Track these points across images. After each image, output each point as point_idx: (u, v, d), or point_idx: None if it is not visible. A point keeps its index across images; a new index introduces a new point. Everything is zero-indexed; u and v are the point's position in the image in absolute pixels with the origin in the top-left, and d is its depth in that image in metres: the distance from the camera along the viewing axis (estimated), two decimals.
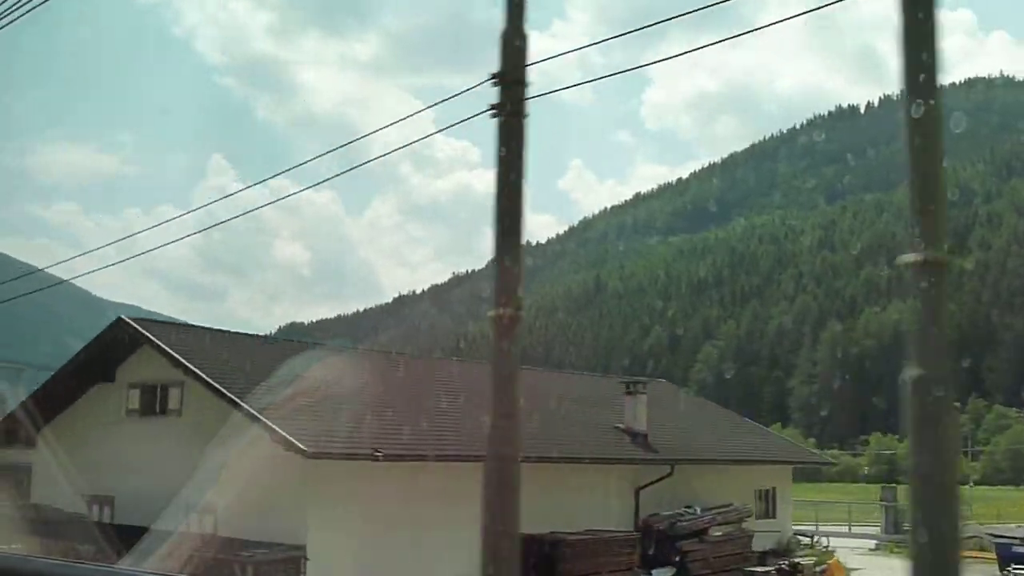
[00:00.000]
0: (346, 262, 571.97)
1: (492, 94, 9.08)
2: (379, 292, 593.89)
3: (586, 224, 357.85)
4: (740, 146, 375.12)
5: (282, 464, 24.77)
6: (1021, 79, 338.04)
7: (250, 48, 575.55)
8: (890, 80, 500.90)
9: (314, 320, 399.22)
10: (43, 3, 15.02)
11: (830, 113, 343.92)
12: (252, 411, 25.57)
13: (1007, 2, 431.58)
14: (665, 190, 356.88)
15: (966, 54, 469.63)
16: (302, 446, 24.18)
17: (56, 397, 33.99)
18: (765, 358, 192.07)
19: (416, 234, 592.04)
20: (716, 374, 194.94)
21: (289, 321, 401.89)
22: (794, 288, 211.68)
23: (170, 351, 29.29)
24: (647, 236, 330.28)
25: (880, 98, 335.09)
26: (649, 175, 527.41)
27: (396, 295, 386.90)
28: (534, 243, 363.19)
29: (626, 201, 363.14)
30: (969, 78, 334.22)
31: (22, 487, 35.22)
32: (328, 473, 25.72)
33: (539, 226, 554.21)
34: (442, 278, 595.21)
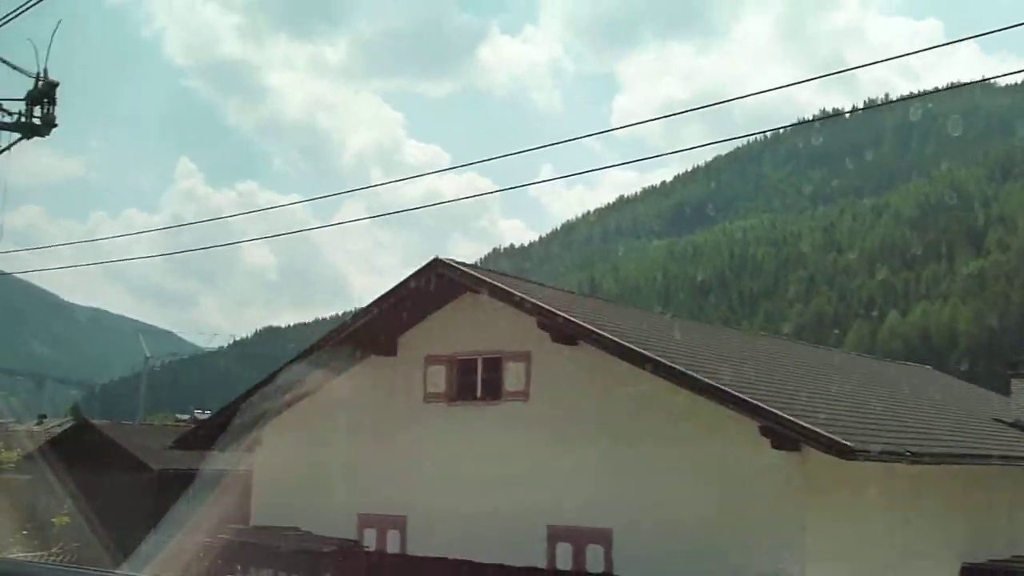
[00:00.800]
0: (314, 267, 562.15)
1: None
2: (348, 298, 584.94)
3: (569, 227, 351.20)
4: (709, 153, 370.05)
5: (750, 470, 17.26)
6: (1003, 85, 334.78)
7: (218, 51, 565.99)
8: (859, 87, 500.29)
9: (291, 324, 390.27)
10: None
11: (814, 116, 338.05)
12: (738, 395, 17.90)
13: (973, 11, 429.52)
14: (649, 193, 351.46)
15: (935, 62, 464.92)
16: (846, 442, 16.27)
17: (293, 382, 25.24)
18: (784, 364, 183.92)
19: (384, 239, 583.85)
20: (734, 380, 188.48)
21: (265, 325, 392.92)
22: (805, 290, 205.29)
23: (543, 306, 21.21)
24: (632, 239, 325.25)
25: (865, 101, 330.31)
26: (618, 181, 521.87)
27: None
28: (516, 246, 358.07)
29: (609, 204, 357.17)
30: (952, 83, 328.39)
31: (228, 502, 26.81)
32: (824, 481, 17.95)
33: (510, 230, 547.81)
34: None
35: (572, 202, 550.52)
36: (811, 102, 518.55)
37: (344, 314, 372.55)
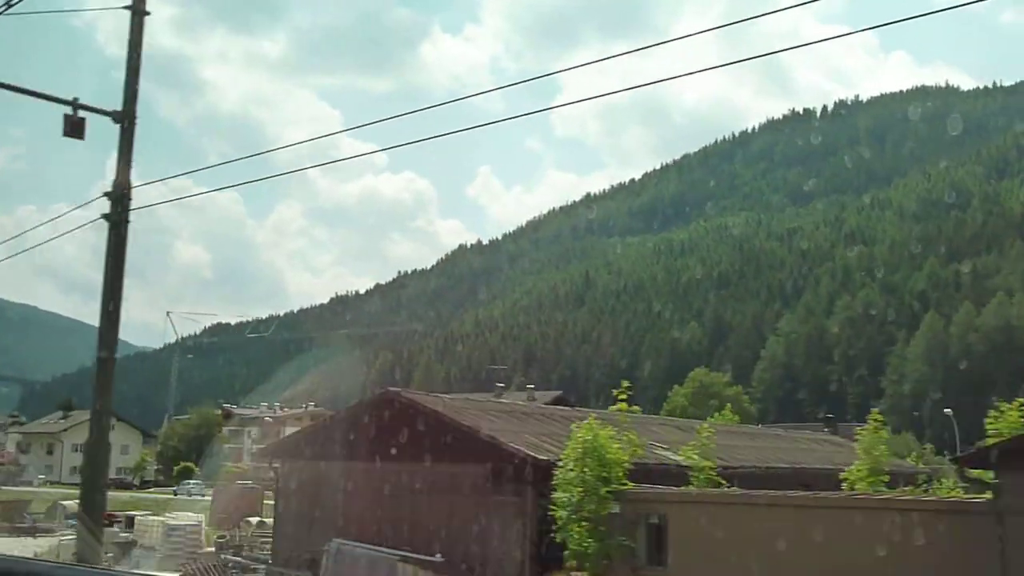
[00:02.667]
0: (249, 265, 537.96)
1: None
2: (284, 296, 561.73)
3: (536, 224, 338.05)
4: (647, 155, 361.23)
5: None
6: (967, 89, 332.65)
7: (153, 42, 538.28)
8: (796, 93, 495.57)
9: (246, 320, 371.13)
10: None
11: (784, 116, 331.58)
12: None
13: (907, 23, 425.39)
14: (619, 191, 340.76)
15: (869, 70, 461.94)
16: None
17: None
18: (844, 355, 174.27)
19: (321, 237, 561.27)
20: (786, 371, 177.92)
21: (216, 322, 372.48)
22: (841, 283, 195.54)
23: None
24: (603, 236, 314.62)
25: (835, 102, 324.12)
26: (557, 183, 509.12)
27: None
28: (486, 241, 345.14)
29: (575, 202, 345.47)
30: (918, 86, 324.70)
31: None
32: None
33: (446, 231, 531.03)
34: (347, 284, 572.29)
35: (510, 204, 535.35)
36: (748, 107, 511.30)
37: (286, 314, 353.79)
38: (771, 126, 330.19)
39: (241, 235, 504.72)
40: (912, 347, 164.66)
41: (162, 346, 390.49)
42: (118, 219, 16.85)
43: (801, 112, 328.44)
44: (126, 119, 17.13)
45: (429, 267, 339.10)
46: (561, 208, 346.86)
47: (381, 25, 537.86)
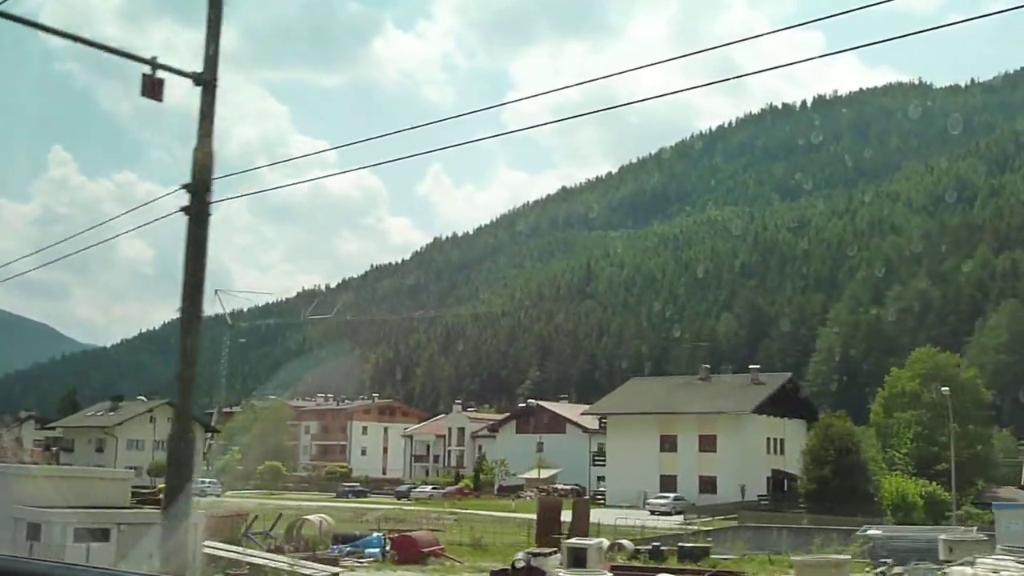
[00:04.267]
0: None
1: None
2: (231, 296, 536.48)
3: (512, 217, 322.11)
4: (602, 155, 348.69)
5: None
6: (940, 86, 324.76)
7: (97, 33, 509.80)
8: (749, 93, 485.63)
9: (206, 315, 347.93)
10: None
11: (762, 111, 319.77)
12: None
13: (853, 24, 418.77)
14: (596, 185, 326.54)
15: (818, 71, 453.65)
16: None
17: None
18: (909, 346, 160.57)
19: (268, 234, 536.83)
20: (843, 363, 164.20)
21: (175, 317, 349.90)
22: (885, 273, 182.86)
23: None
24: (583, 230, 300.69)
25: (814, 97, 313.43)
26: (510, 181, 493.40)
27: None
28: (460, 234, 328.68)
29: (550, 195, 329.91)
30: (893, 83, 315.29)
31: None
32: None
33: (397, 229, 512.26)
34: (292, 281, 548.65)
35: (461, 201, 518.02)
36: (701, 107, 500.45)
37: (236, 312, 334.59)
38: (750, 120, 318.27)
39: (184, 231, 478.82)
40: (986, 335, 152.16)
41: (110, 344, 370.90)
42: (200, 209, 14.29)
43: (780, 107, 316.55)
44: (209, 82, 14.85)
45: (403, 261, 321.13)
46: (535, 202, 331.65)
47: (331, 19, 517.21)
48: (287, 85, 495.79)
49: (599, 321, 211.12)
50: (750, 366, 77.92)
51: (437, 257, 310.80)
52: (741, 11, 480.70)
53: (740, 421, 67.94)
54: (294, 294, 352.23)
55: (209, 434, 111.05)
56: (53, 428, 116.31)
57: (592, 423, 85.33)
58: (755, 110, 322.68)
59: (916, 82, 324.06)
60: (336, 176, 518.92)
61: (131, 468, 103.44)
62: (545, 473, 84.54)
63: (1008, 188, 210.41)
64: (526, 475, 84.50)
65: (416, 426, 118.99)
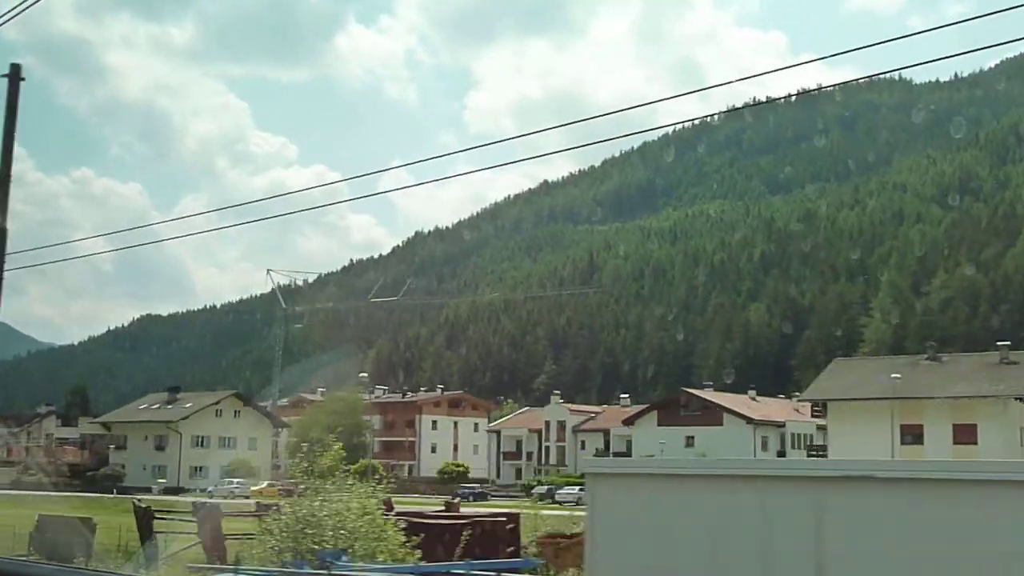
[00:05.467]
0: (152, 259, 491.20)
1: None
2: (190, 294, 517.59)
3: (494, 211, 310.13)
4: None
5: None
6: (919, 82, 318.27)
7: (53, 26, 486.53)
8: (707, 92, 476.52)
9: (166, 313, 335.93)
10: None
11: (745, 104, 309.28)
12: None
13: (815, 26, 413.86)
14: (580, 179, 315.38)
15: (781, 72, 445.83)
16: None
17: None
18: (959, 335, 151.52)
19: (228, 232, 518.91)
20: (894, 353, 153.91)
21: (144, 312, 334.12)
22: (918, 260, 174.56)
23: None
24: (569, 224, 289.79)
25: (799, 90, 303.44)
26: (472, 178, 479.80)
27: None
28: (443, 227, 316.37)
29: (531, 189, 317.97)
30: (873, 79, 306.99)
31: None
32: None
33: (358, 226, 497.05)
34: (253, 279, 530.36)
35: (424, 199, 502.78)
36: (665, 105, 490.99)
37: (209, 308, 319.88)
38: (734, 115, 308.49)
39: (144, 228, 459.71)
40: None
41: (77, 341, 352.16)
42: None
43: (764, 100, 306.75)
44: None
45: (381, 256, 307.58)
46: (517, 196, 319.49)
47: (293, 13, 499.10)
48: (247, 80, 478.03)
49: (614, 314, 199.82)
50: (998, 343, 66.35)
51: (419, 251, 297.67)
52: (706, 10, 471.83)
53: (1007, 408, 56.46)
54: (269, 289, 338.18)
55: (277, 429, 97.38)
56: (102, 424, 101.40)
57: (758, 412, 73.98)
58: (738, 104, 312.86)
59: (896, 78, 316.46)
60: (296, 173, 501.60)
61: (198, 468, 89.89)
62: None
63: (1014, 180, 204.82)
64: None
65: (502, 420, 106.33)
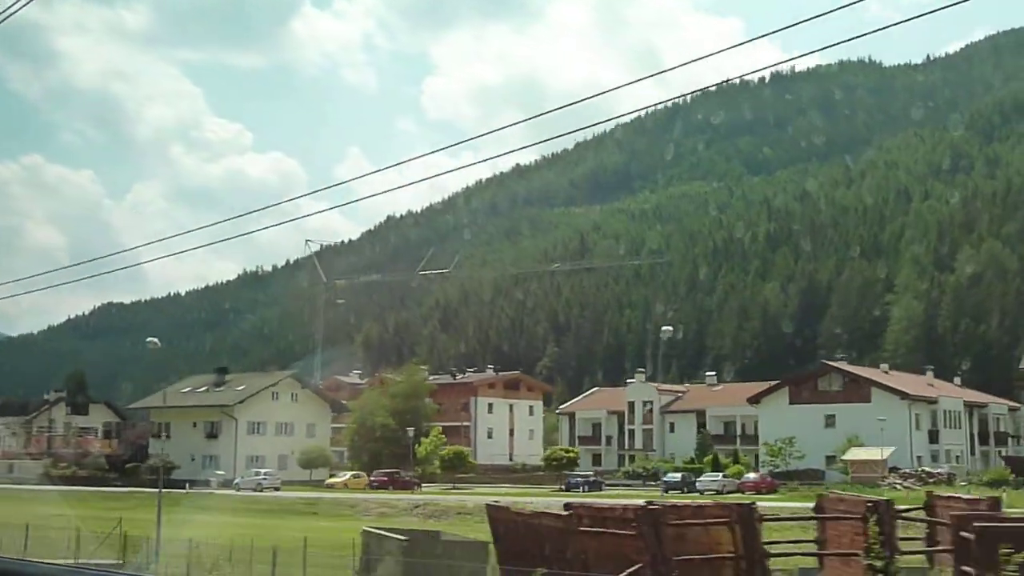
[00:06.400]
0: (106, 248, 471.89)
1: None
2: (144, 282, 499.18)
3: (468, 195, 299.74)
4: (524, 140, 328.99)
5: None
6: (888, 64, 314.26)
7: (2, 8, 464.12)
8: (665, 78, 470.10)
9: (129, 301, 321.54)
10: None
11: (719, 87, 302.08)
12: None
13: (772, 11, 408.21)
14: (553, 162, 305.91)
15: (736, 57, 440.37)
16: None
17: None
18: (991, 310, 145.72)
19: (183, 220, 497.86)
20: (924, 331, 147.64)
21: (107, 300, 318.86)
22: (937, 237, 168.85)
23: None
24: (547, 206, 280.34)
25: (771, 74, 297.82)
26: (430, 163, 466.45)
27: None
28: (416, 211, 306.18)
29: (504, 173, 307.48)
30: (843, 61, 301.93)
31: None
32: None
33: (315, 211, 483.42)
34: (211, 268, 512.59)
35: (382, 185, 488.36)
36: (623, 92, 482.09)
37: (171, 296, 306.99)
38: (706, 97, 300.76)
39: (97, 216, 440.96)
40: None
41: (37, 331, 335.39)
42: None
43: (737, 83, 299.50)
44: None
45: (351, 241, 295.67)
46: (488, 180, 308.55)
47: None
48: (202, 66, 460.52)
49: (615, 295, 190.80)
50: None
51: (391, 235, 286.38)
52: None
53: None
54: (235, 276, 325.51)
55: (335, 414, 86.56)
56: (141, 409, 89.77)
57: (918, 389, 65.03)
58: (711, 87, 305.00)
59: (866, 60, 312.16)
60: (251, 160, 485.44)
61: (254, 457, 78.97)
62: (861, 453, 63.40)
63: (1003, 158, 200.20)
64: (850, 456, 63.25)
65: (574, 402, 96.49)
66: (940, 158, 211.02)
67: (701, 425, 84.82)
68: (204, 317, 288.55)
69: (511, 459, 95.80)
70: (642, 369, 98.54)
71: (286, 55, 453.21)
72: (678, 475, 65.26)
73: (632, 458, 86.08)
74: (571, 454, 78.77)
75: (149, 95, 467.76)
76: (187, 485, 66.13)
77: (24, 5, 13.73)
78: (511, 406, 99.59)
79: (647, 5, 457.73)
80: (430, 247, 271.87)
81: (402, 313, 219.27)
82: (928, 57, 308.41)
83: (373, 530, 20.99)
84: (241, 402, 78.91)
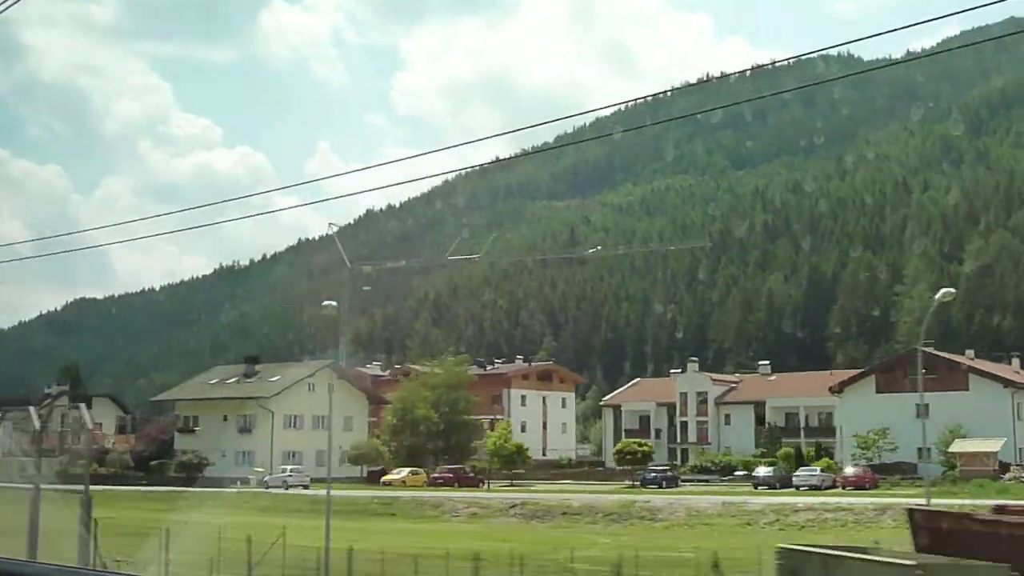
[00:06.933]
0: (73, 243, 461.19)
1: None
2: (113, 276, 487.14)
3: (448, 190, 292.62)
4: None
5: None
6: (868, 59, 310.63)
7: None
8: (636, 73, 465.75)
9: (105, 296, 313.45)
10: None
11: (699, 80, 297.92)
12: None
13: (741, 8, 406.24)
14: (533, 156, 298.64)
15: (705, 53, 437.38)
16: None
17: None
18: (1007, 302, 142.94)
19: (151, 214, 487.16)
20: (944, 324, 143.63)
21: (78, 296, 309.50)
22: (944, 228, 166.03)
23: None
24: (528, 199, 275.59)
25: (752, 66, 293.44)
26: (401, 161, 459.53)
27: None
28: (396, 205, 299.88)
29: (483, 166, 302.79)
30: (821, 55, 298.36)
31: None
32: None
33: (284, 206, 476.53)
34: (179, 264, 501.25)
35: (351, 181, 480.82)
36: (595, 87, 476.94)
37: (144, 291, 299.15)
38: (687, 90, 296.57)
39: (65, 211, 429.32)
40: None
41: (8, 327, 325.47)
42: None
43: (718, 76, 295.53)
44: None
45: (326, 236, 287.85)
46: (467, 174, 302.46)
47: None
48: (170, 60, 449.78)
49: (611, 287, 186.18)
50: None
51: (370, 229, 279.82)
52: None
53: None
54: (210, 271, 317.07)
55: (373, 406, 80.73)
56: (167, 403, 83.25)
57: (1015, 377, 60.44)
58: (692, 79, 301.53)
59: (844, 54, 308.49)
60: (220, 155, 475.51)
61: (292, 453, 72.96)
62: (968, 445, 58.66)
63: (992, 151, 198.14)
64: (957, 448, 58.42)
65: (617, 393, 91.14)
66: (931, 151, 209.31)
67: (759, 417, 79.82)
68: (180, 312, 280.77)
69: (544, 454, 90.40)
70: (694, 359, 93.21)
71: (255, 49, 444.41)
72: (770, 470, 60.31)
73: (685, 452, 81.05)
74: (645, 448, 73.34)
75: (117, 89, 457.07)
76: (238, 483, 60.33)
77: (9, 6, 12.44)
78: (544, 398, 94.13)
79: (618, 1, 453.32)
80: (412, 240, 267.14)
81: (389, 307, 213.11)
82: (908, 52, 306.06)
83: (796, 547, 15.42)
84: (278, 393, 72.85)
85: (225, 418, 75.50)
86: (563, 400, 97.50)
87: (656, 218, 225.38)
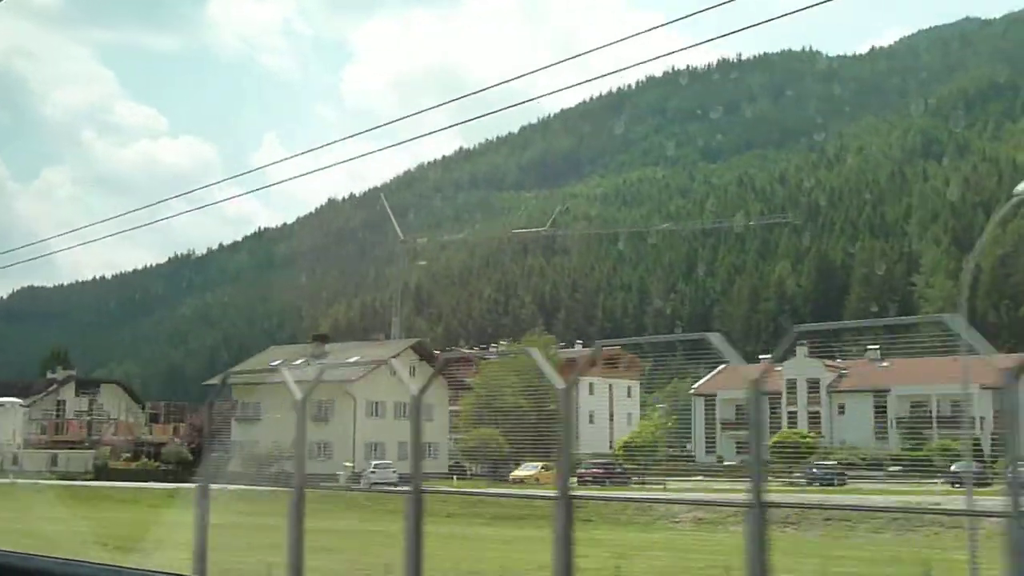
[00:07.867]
0: (9, 233, 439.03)
1: None
2: (51, 268, 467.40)
3: (410, 179, 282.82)
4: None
5: None
6: (832, 55, 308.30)
7: None
8: (586, 66, 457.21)
9: (54, 285, 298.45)
10: None
11: (665, 74, 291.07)
12: None
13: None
14: (500, 145, 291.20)
15: (651, 48, 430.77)
16: None
17: None
18: None
19: (95, 206, 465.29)
20: (970, 313, 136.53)
21: (26, 284, 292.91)
22: (954, 215, 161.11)
23: None
24: (494, 190, 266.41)
25: (718, 60, 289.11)
26: (352, 151, 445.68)
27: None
28: (358, 194, 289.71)
29: (447, 156, 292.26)
30: (784, 50, 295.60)
31: None
32: None
33: (233, 201, 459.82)
34: (124, 258, 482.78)
35: (297, 171, 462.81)
36: (549, 81, 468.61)
37: (96, 280, 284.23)
38: (652, 83, 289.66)
39: (1, 201, 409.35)
40: None
41: None
42: None
43: (683, 68, 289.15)
44: None
45: (285, 224, 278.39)
46: (430, 163, 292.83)
47: None
48: (114, 47, 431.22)
49: (603, 274, 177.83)
50: None
51: (334, 219, 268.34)
52: None
53: None
54: (165, 259, 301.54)
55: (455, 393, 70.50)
56: (224, 386, 71.83)
57: None
58: (657, 73, 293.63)
59: (808, 49, 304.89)
60: (165, 145, 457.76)
61: (373, 446, 62.73)
62: None
63: (972, 144, 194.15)
64: None
65: (707, 379, 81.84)
66: (913, 143, 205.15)
67: (879, 408, 71.47)
68: (134, 301, 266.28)
69: (611, 447, 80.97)
70: (803, 342, 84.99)
71: (203, 38, 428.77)
72: (968, 464, 51.88)
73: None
74: (808, 439, 64.25)
75: (57, 76, 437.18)
76: (339, 478, 50.01)
77: None
78: (610, 386, 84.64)
79: None
80: (376, 229, 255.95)
81: (365, 295, 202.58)
82: (872, 47, 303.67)
83: None
84: (363, 376, 62.46)
85: (292, 406, 64.61)
86: (628, 389, 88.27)
87: (635, 208, 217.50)
